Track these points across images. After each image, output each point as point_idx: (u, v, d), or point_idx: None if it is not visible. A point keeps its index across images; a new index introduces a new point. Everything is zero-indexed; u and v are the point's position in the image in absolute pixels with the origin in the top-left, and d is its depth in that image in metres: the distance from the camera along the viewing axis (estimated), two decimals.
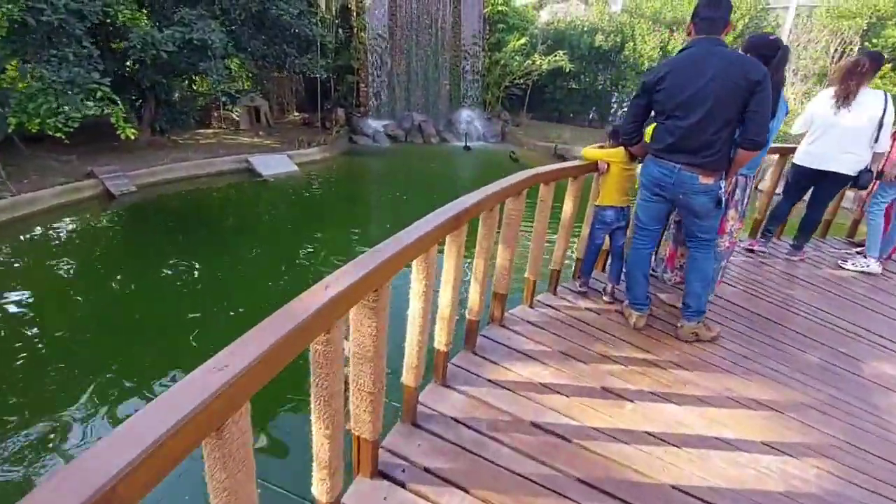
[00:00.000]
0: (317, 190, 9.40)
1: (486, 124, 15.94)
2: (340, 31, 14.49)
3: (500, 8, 15.55)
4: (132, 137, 6.78)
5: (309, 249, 6.32)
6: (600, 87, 17.83)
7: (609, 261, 3.16)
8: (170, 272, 5.49)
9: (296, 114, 16.71)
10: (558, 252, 2.97)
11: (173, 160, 9.68)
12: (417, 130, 15.11)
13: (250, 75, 12.95)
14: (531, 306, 2.84)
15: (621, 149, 2.80)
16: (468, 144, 14.28)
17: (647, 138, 2.93)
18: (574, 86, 18.09)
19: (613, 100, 18.01)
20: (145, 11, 8.54)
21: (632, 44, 16.07)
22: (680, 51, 2.45)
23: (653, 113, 2.57)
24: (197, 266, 5.65)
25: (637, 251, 2.77)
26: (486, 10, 15.61)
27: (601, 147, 2.96)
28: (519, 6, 18.36)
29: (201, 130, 13.27)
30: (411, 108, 15.72)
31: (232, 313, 4.60)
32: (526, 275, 2.81)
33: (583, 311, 2.83)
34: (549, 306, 2.86)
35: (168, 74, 8.90)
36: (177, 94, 9.13)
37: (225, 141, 11.93)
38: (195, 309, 4.65)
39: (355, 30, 14.37)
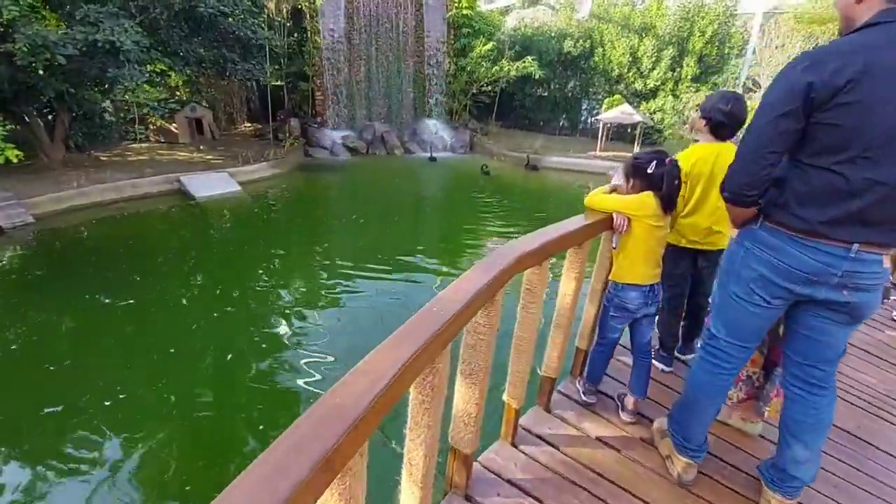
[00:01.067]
0: (258, 214, 8.21)
1: (454, 134, 15.03)
2: (293, 34, 13.33)
3: (464, 12, 14.73)
4: (14, 160, 5.47)
5: (233, 294, 5.16)
6: (570, 93, 17.25)
7: (632, 366, 2.03)
8: (64, 325, 4.27)
9: (247, 124, 15.40)
10: (553, 354, 1.92)
11: (91, 181, 8.31)
12: (380, 141, 14.06)
13: (186, 82, 11.54)
14: (513, 441, 1.83)
15: (649, 196, 1.81)
16: (434, 155, 13.32)
17: (685, 164, 1.98)
18: (543, 93, 17.45)
19: (584, 107, 17.46)
20: (48, 10, 7.21)
21: (601, 49, 15.53)
22: (854, 30, 1.25)
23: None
24: (95, 314, 4.45)
25: (714, 376, 1.64)
26: (449, 15, 14.75)
27: (614, 191, 1.91)
28: (484, 11, 17.62)
29: (135, 145, 11.82)
30: (373, 118, 14.67)
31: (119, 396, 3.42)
32: (504, 396, 1.76)
33: (586, 445, 1.81)
34: (542, 439, 1.84)
35: (77, 83, 7.57)
36: (106, 105, 7.73)
37: (158, 157, 10.56)
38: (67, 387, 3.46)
39: (309, 33, 13.24)
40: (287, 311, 4.87)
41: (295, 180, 10.60)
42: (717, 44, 14.04)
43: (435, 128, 14.83)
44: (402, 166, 12.78)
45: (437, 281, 5.68)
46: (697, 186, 2.09)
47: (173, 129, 12.02)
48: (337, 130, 13.93)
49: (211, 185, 8.80)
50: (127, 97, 6.77)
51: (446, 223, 8.56)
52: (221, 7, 7.80)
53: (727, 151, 2.01)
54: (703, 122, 2.06)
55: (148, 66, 7.91)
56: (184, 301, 4.99)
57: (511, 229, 7.75)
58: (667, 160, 1.79)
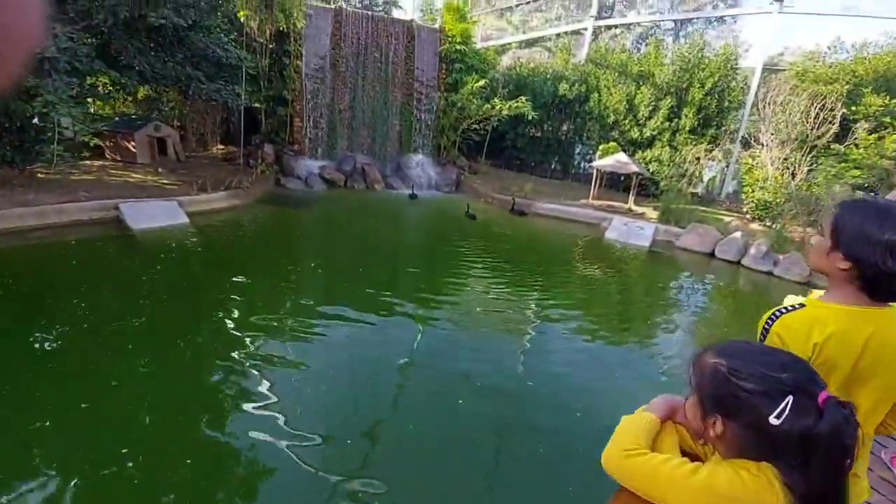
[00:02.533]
0: (200, 253, 7.07)
1: (440, 171, 14.21)
2: (274, 56, 12.57)
3: (458, 47, 14.20)
4: None
5: (162, 345, 3.99)
6: (563, 137, 16.71)
7: None
8: None
9: (220, 147, 14.44)
10: None
11: (14, 203, 7.17)
12: (360, 174, 13.15)
13: (146, 99, 10.59)
14: None
15: (766, 481, 0.75)
16: (415, 193, 12.41)
17: (805, 336, 1.03)
18: (536, 134, 16.90)
19: (577, 151, 16.90)
20: None
21: (597, 95, 15.06)
22: None
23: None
24: None
25: None
26: (442, 48, 14.20)
27: (668, 417, 0.95)
28: (479, 48, 17.22)
29: (88, 162, 10.75)
30: (354, 149, 13.81)
31: None
32: None
33: None
34: None
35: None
36: (52, 117, 6.63)
37: (107, 178, 9.45)
38: None
39: (291, 57, 12.51)
40: (228, 364, 3.96)
41: (258, 213, 9.53)
42: (716, 96, 13.61)
43: (420, 163, 14.01)
44: (381, 203, 11.82)
45: (418, 328, 4.65)
46: (829, 381, 1.05)
47: (131, 148, 10.97)
48: (314, 160, 13.02)
49: (153, 214, 7.69)
50: (47, 111, 5.68)
51: (424, 270, 7.51)
52: (176, 19, 6.91)
53: (891, 327, 1.03)
54: (847, 265, 1.05)
55: (88, 78, 6.94)
56: (105, 351, 3.87)
57: (495, 279, 6.75)
58: (822, 395, 0.78)
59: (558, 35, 20.87)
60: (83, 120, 6.72)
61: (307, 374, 4.03)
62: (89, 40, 7.80)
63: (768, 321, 1.11)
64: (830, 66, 12.19)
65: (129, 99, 11.09)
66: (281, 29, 12.00)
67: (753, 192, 11.30)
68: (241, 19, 11.53)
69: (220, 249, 7.42)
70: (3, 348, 3.93)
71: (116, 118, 12.05)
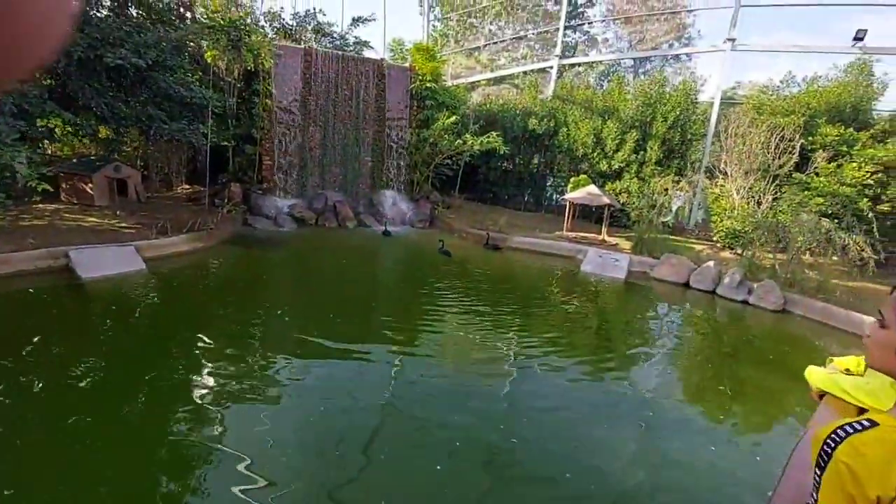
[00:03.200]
0: (152, 304, 6.58)
1: (413, 207, 14.08)
2: (241, 95, 12.42)
3: (428, 85, 14.38)
4: None
5: (115, 404, 3.53)
6: (535, 170, 16.95)
7: None
8: None
9: (185, 187, 14.00)
10: None
11: None
12: (332, 212, 12.89)
13: (104, 140, 10.19)
14: None
15: None
16: (389, 230, 12.20)
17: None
18: (509, 167, 17.10)
19: (549, 183, 17.12)
20: None
21: (565, 129, 15.42)
22: None
23: None
24: None
25: None
26: (412, 86, 14.36)
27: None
28: (449, 86, 17.54)
29: (41, 206, 10.16)
30: (326, 186, 13.60)
31: None
32: None
33: None
34: None
35: None
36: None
37: (60, 223, 8.91)
38: None
39: (261, 96, 12.37)
40: (184, 425, 3.61)
41: (222, 256, 9.10)
42: (679, 129, 14.10)
43: (393, 199, 13.87)
44: (353, 241, 11.54)
45: (392, 378, 4.33)
46: None
47: (89, 191, 10.46)
48: (284, 198, 12.72)
49: (106, 261, 7.20)
50: None
51: (398, 313, 7.19)
52: (135, 59, 6.69)
53: None
54: None
55: (40, 120, 6.58)
56: (47, 416, 3.37)
57: (472, 320, 6.48)
58: None
59: (525, 73, 21.55)
60: (33, 163, 6.29)
61: (274, 433, 3.69)
62: (46, 81, 7.48)
63: (830, 442, 0.83)
64: (784, 99, 12.83)
65: (90, 140, 10.65)
66: (249, 68, 11.90)
67: (722, 220, 11.56)
68: (209, 59, 11.40)
69: (178, 297, 6.95)
70: None
71: (74, 160, 11.55)
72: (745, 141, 11.89)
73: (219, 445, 3.48)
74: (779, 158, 11.38)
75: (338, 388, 4.55)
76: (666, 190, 12.78)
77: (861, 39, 13.26)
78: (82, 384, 4.26)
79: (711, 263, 9.63)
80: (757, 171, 11.52)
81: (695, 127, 14.46)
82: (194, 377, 4.54)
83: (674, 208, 13.89)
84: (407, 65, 15.01)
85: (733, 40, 15.07)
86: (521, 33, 25.01)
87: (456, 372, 5.18)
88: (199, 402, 4.09)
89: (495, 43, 25.30)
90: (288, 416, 4.00)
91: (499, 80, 22.36)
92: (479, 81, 22.35)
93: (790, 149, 11.26)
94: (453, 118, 14.11)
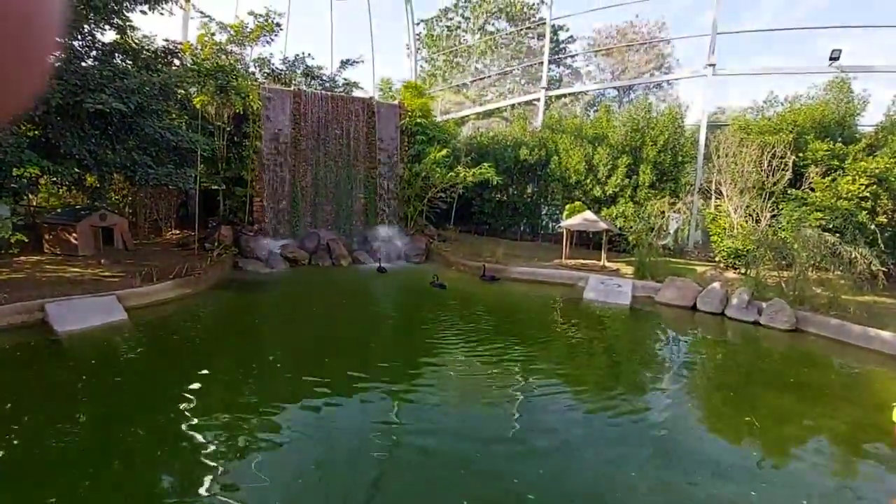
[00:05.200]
0: (133, 357, 6.16)
1: (408, 242, 13.85)
2: (231, 138, 12.37)
3: (418, 120, 14.47)
4: None
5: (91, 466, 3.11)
6: (529, 199, 16.89)
7: None
8: None
9: (175, 232, 13.74)
10: None
11: None
12: (325, 251, 12.61)
13: (87, 188, 9.98)
14: None
15: None
16: (383, 266, 11.90)
17: None
18: (502, 198, 17.05)
19: (544, 212, 17.02)
20: None
21: (556, 157, 15.45)
22: None
23: None
24: None
25: None
26: (402, 122, 14.43)
27: None
28: (439, 121, 17.73)
29: (22, 258, 9.82)
30: (318, 225, 13.39)
31: None
32: None
33: None
34: None
35: None
36: None
37: (39, 275, 8.55)
38: None
39: (251, 138, 12.32)
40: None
41: (211, 302, 8.73)
42: (669, 152, 14.14)
43: (387, 235, 13.65)
44: (348, 279, 11.21)
45: (393, 424, 3.88)
46: None
47: (72, 240, 10.16)
48: (276, 239, 12.46)
49: (83, 313, 6.81)
50: None
51: (396, 353, 6.79)
52: (116, 105, 6.55)
53: None
54: None
55: (15, 169, 6.34)
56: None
57: (474, 354, 6.08)
58: None
59: (513, 106, 21.93)
60: (7, 215, 6.01)
61: (272, 489, 3.37)
62: (25, 129, 7.31)
63: None
64: (769, 119, 12.94)
65: (75, 188, 10.45)
66: (238, 111, 11.90)
67: (722, 240, 11.36)
68: (197, 105, 11.39)
69: (162, 348, 6.53)
70: None
71: (59, 209, 11.31)
72: (736, 160, 11.88)
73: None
74: (772, 175, 11.33)
75: (334, 435, 4.20)
76: (662, 212, 12.66)
77: (836, 59, 13.58)
78: (58, 447, 3.87)
79: (717, 285, 9.34)
80: (752, 188, 11.45)
81: (685, 149, 14.52)
82: (179, 436, 4.15)
83: (672, 230, 13.74)
84: (396, 102, 15.15)
85: (713, 65, 15.39)
86: (507, 69, 25.67)
87: (459, 412, 4.78)
88: (186, 463, 3.75)
89: (482, 79, 25.92)
90: (285, 469, 3.63)
91: (488, 114, 22.71)
92: (468, 116, 22.68)
93: (783, 165, 11.23)
94: (444, 151, 14.11)
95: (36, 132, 7.60)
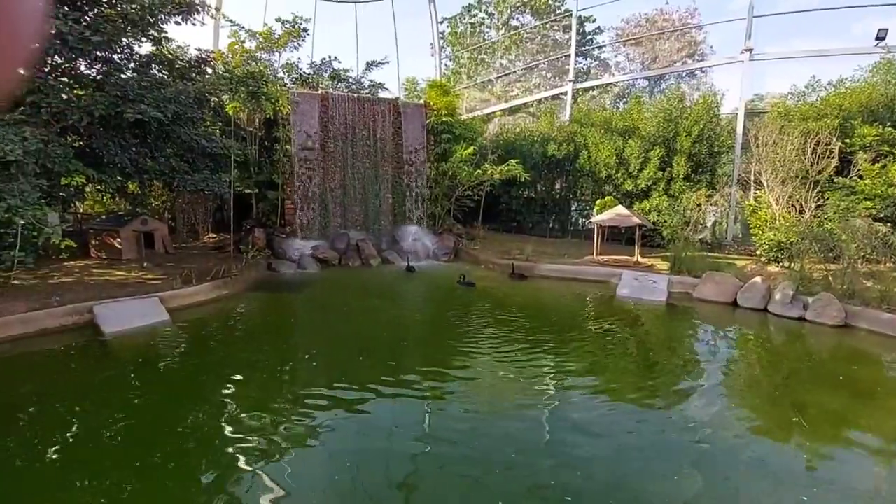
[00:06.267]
0: (176, 356, 6.39)
1: (436, 240, 13.87)
2: (262, 143, 12.69)
3: (444, 119, 14.46)
4: None
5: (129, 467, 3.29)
6: (558, 195, 16.64)
7: None
8: None
9: (211, 235, 14.21)
10: None
11: None
12: (355, 251, 12.78)
13: (129, 195, 10.42)
14: None
15: None
16: (412, 265, 11.95)
17: None
18: (531, 194, 16.86)
19: (573, 208, 16.73)
20: None
21: (586, 152, 15.15)
22: None
23: None
24: None
25: None
26: (428, 121, 14.45)
27: None
28: (465, 119, 17.68)
29: (71, 263, 10.37)
30: (348, 226, 13.58)
31: None
32: None
33: None
34: None
35: None
36: (22, 222, 6.20)
37: (87, 279, 9.01)
38: None
39: (281, 142, 12.61)
40: (216, 478, 3.25)
41: (246, 302, 8.98)
42: (705, 142, 13.64)
43: (416, 234, 13.71)
44: (377, 279, 11.32)
45: (426, 421, 4.03)
46: None
47: (117, 245, 10.65)
48: (307, 240, 12.71)
49: (129, 315, 7.12)
50: (10, 215, 5.31)
51: (427, 351, 6.82)
52: (155, 113, 6.81)
53: None
54: None
55: (64, 178, 6.70)
56: (75, 474, 3.09)
57: (506, 353, 6.03)
58: None
59: (539, 101, 21.64)
60: (56, 222, 6.35)
61: (306, 487, 3.46)
62: (71, 140, 7.69)
63: None
64: (812, 104, 12.29)
65: (118, 195, 10.95)
66: (269, 117, 12.19)
67: (763, 233, 10.87)
68: (230, 111, 11.75)
69: (202, 347, 6.76)
70: None
71: (103, 216, 11.88)
72: (777, 149, 11.33)
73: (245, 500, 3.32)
74: (817, 163, 10.75)
75: (366, 437, 4.23)
76: (699, 205, 12.22)
77: (883, 39, 12.81)
78: (106, 443, 4.07)
79: (759, 279, 8.94)
80: (795, 178, 10.89)
81: (721, 139, 13.96)
82: (222, 432, 4.32)
83: (709, 224, 13.25)
84: (422, 101, 15.19)
85: (750, 50, 14.74)
86: (532, 63, 25.35)
87: (492, 414, 4.73)
88: (226, 457, 3.88)
89: (507, 74, 25.69)
90: (318, 470, 3.69)
91: (514, 110, 22.49)
92: (494, 113, 22.52)
93: (828, 153, 10.63)
94: (471, 149, 14.05)
95: (81, 143, 7.99)
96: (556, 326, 7.91)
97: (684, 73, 25.33)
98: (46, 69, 7.67)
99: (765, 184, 11.49)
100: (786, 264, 10.38)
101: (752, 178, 12.21)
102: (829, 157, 10.64)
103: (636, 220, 11.15)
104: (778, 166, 11.13)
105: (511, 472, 3.70)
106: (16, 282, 8.37)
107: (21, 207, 5.22)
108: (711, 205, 13.21)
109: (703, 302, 9.24)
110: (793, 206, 10.80)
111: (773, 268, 10.62)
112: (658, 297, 9.27)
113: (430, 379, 5.59)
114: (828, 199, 10.53)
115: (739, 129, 14.43)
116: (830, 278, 9.03)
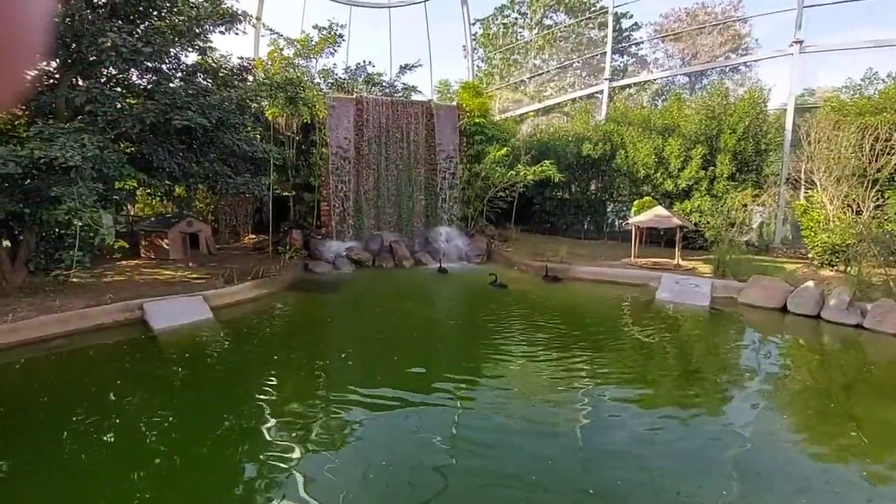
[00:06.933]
0: (219, 352, 6.62)
1: (469, 242, 13.84)
2: (299, 147, 13.03)
3: (476, 120, 14.43)
4: None
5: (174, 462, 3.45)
6: (593, 196, 16.28)
7: None
8: None
9: (251, 237, 14.70)
10: None
11: (40, 311, 7.08)
12: (388, 252, 12.92)
13: (176, 198, 10.88)
14: None
15: None
16: (444, 267, 11.97)
17: None
18: (565, 195, 16.57)
19: (609, 209, 16.34)
20: None
21: (623, 151, 14.76)
22: None
23: None
24: None
25: None
26: (461, 123, 14.45)
27: None
28: (497, 119, 17.58)
29: (123, 262, 10.96)
30: (381, 227, 13.75)
31: None
32: None
33: None
34: None
35: (37, 202, 6.68)
36: (78, 223, 6.61)
37: (138, 277, 9.49)
38: None
39: (317, 146, 12.91)
40: (256, 468, 3.61)
41: (284, 301, 9.22)
42: (751, 140, 13.02)
43: (448, 236, 13.73)
44: (410, 280, 11.39)
45: (456, 422, 4.21)
46: None
47: (164, 246, 11.18)
48: (341, 241, 12.95)
49: (176, 312, 7.44)
50: (70, 217, 5.66)
51: (460, 352, 6.82)
52: (200, 120, 7.11)
53: None
54: None
55: (117, 182, 7.09)
56: (127, 460, 3.29)
57: (540, 357, 5.94)
58: None
59: (574, 100, 21.25)
60: (110, 224, 6.73)
61: (342, 478, 3.60)
62: (122, 146, 8.13)
63: None
64: (870, 98, 11.51)
65: (166, 198, 11.49)
66: (306, 121, 12.51)
67: (816, 235, 10.26)
68: (269, 117, 12.13)
69: (243, 345, 6.99)
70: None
71: (152, 218, 12.50)
72: (831, 146, 10.68)
73: (283, 493, 3.43)
74: (875, 161, 10.05)
75: (399, 438, 4.26)
76: (744, 206, 11.67)
77: None
78: (155, 433, 4.31)
79: (811, 283, 8.45)
80: (850, 176, 10.23)
81: (768, 136, 13.30)
82: (261, 426, 4.52)
83: (755, 225, 12.63)
84: (454, 103, 15.21)
85: (800, 42, 13.98)
86: (566, 62, 24.94)
87: (525, 419, 4.66)
88: (266, 448, 4.05)
89: (540, 74, 25.39)
90: (353, 469, 3.73)
91: (547, 110, 22.19)
92: (527, 113, 22.30)
93: (888, 149, 9.92)
94: (504, 150, 13.96)
95: (133, 149, 8.44)
96: (591, 330, 7.73)
97: (727, 69, 24.29)
98: (102, 80, 8.15)
99: (817, 183, 10.86)
100: (841, 268, 9.77)
101: (803, 176, 11.55)
102: (889, 154, 9.94)
103: (677, 221, 10.76)
104: (832, 164, 10.49)
105: (540, 477, 3.62)
106: (74, 280, 8.92)
107: (79, 210, 5.56)
108: (758, 205, 12.58)
109: (749, 307, 8.81)
110: (848, 206, 10.15)
111: (826, 272, 10.02)
112: (700, 301, 8.91)
113: (460, 381, 5.56)
114: (888, 198, 9.84)
115: (789, 126, 13.70)
116: (892, 283, 8.43)
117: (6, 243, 8.46)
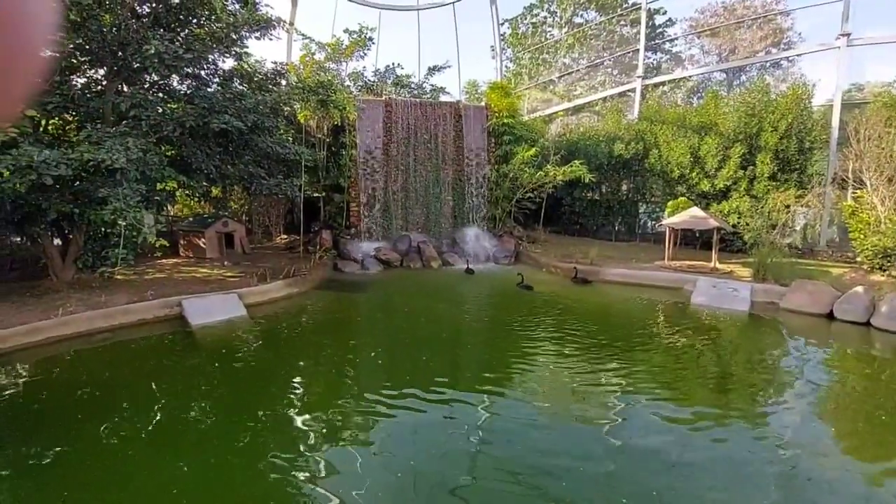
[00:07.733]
0: (252, 349, 6.78)
1: (497, 243, 13.77)
2: (330, 148, 13.26)
3: (504, 121, 14.34)
4: None
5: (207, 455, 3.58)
6: (625, 197, 15.92)
7: None
8: None
9: (283, 237, 15.05)
10: None
11: (88, 306, 7.45)
12: (416, 252, 12.98)
13: (213, 198, 11.25)
14: None
15: None
16: (471, 268, 11.93)
17: None
18: (595, 196, 16.27)
19: (641, 210, 15.94)
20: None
21: (656, 151, 14.38)
22: None
23: None
24: None
25: None
26: (489, 124, 14.39)
27: None
28: (526, 119, 17.42)
29: (164, 260, 11.41)
30: (409, 228, 13.83)
31: None
32: None
33: None
34: None
35: (86, 202, 7.02)
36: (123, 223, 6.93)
37: (176, 275, 9.86)
38: None
39: (347, 147, 13.10)
40: (285, 464, 3.66)
41: (314, 300, 9.39)
42: (794, 138, 12.45)
43: (476, 236, 13.69)
44: (437, 280, 11.41)
45: (484, 423, 4.24)
46: None
47: (202, 245, 11.57)
48: (370, 242, 13.10)
49: (212, 309, 7.69)
50: (115, 217, 5.94)
51: (487, 353, 6.79)
52: (236, 123, 7.33)
53: None
54: None
55: (159, 184, 7.40)
56: (163, 449, 3.44)
57: (568, 360, 5.84)
58: None
59: (605, 99, 20.86)
60: (152, 223, 7.03)
61: (369, 475, 3.65)
62: (165, 149, 8.47)
63: None
64: None
65: (203, 199, 11.92)
66: (336, 123, 12.72)
67: (865, 237, 9.71)
68: (301, 119, 12.40)
69: (276, 341, 7.16)
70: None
71: (190, 218, 12.97)
72: (882, 143, 10.09)
73: (312, 487, 3.52)
74: None
75: (424, 440, 4.25)
76: (787, 207, 11.16)
77: None
78: (192, 423, 4.48)
79: (861, 289, 8.00)
80: None
81: (812, 134, 12.68)
82: (292, 420, 4.66)
83: (798, 227, 12.07)
84: (483, 104, 15.16)
85: (848, 35, 13.29)
86: (597, 60, 24.50)
87: (553, 423, 4.58)
88: (296, 442, 4.18)
89: (569, 73, 25.03)
90: (377, 471, 3.75)
91: (577, 109, 21.85)
92: (556, 113, 22.01)
93: None
94: (532, 151, 13.82)
95: (173, 151, 8.78)
96: (622, 334, 7.53)
97: (768, 64, 23.32)
98: (146, 86, 8.51)
99: (867, 182, 10.28)
100: (894, 273, 9.21)
101: (851, 176, 10.97)
102: None
103: (714, 222, 10.39)
104: (883, 163, 9.90)
105: (567, 486, 3.55)
106: (118, 277, 9.35)
107: (124, 210, 5.82)
108: (802, 206, 12.02)
109: (792, 313, 8.42)
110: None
111: (877, 276, 9.47)
112: (739, 306, 8.57)
113: (490, 383, 5.52)
114: None
115: (835, 123, 13.04)
116: None
117: (57, 242, 8.95)
